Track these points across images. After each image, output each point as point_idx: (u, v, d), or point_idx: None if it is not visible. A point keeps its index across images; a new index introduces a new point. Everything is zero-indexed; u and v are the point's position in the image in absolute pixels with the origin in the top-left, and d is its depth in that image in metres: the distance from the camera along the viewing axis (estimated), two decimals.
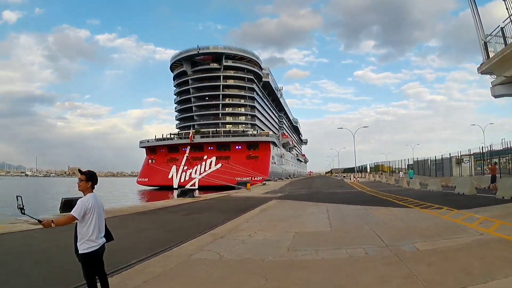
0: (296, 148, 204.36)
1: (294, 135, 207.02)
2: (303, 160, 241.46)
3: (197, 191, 40.95)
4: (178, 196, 34.37)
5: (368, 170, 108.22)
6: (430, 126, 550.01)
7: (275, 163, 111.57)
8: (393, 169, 78.92)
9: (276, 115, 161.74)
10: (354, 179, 73.90)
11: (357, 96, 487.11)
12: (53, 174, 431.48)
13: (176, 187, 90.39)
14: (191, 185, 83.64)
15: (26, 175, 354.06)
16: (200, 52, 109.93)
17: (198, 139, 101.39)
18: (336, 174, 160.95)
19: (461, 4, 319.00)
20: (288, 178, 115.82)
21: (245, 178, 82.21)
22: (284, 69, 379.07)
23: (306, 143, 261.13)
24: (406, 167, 66.94)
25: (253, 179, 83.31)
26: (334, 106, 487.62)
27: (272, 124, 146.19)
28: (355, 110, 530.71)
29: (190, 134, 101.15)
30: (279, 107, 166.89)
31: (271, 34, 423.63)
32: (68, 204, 20.37)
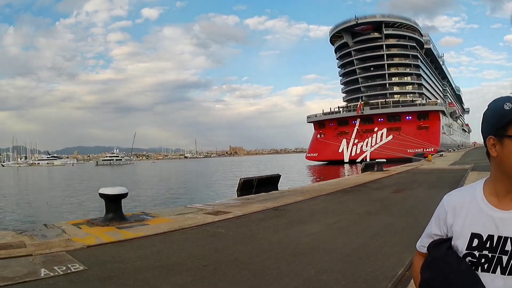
0: (460, 117, 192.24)
1: (457, 104, 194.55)
2: (467, 130, 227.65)
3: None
4: (363, 170, 31.66)
5: None
6: None
7: (444, 133, 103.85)
8: None
9: (440, 83, 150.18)
10: None
11: (510, 61, 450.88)
12: (214, 155, 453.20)
13: (347, 161, 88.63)
14: (362, 158, 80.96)
15: (185, 157, 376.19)
16: (358, 22, 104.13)
17: (367, 111, 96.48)
18: None
19: None
20: (459, 149, 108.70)
21: (417, 150, 78.05)
22: (437, 37, 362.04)
23: (468, 112, 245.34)
24: None
25: (425, 150, 77.94)
26: (489, 73, 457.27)
27: (438, 93, 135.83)
28: (510, 77, 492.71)
29: (358, 106, 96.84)
30: (442, 75, 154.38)
31: (419, 1, 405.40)
32: (247, 185, 18.84)
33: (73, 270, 6.24)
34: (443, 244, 1.80)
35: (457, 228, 1.75)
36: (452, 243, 1.76)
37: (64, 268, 6.31)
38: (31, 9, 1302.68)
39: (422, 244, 1.96)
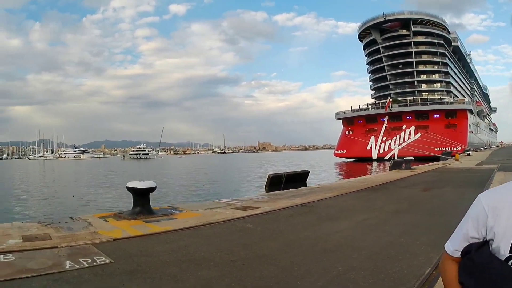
0: (487, 116, 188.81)
1: (484, 102, 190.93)
2: (494, 130, 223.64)
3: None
4: (391, 168, 31.27)
5: None
6: None
7: (471, 132, 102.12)
8: None
9: (467, 81, 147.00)
10: None
11: None
12: (242, 150, 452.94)
13: (375, 158, 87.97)
14: (390, 156, 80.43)
15: (214, 152, 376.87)
16: (386, 19, 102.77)
17: (396, 108, 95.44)
18: None
19: None
20: (485, 148, 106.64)
21: (444, 148, 77.24)
22: (464, 35, 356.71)
23: (495, 111, 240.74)
24: None
25: (452, 149, 76.62)
26: None
27: (465, 91, 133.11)
28: None
29: (386, 104, 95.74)
30: (469, 73, 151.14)
31: None
32: (275, 181, 18.83)
33: (98, 263, 6.27)
34: (483, 248, 1.69)
35: (499, 230, 1.63)
36: (492, 246, 1.66)
37: (90, 260, 6.35)
38: (57, 5, 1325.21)
39: (456, 248, 1.82)
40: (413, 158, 32.90)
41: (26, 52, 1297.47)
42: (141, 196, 10.59)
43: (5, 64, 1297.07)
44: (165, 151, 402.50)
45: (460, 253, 1.80)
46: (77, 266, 6.02)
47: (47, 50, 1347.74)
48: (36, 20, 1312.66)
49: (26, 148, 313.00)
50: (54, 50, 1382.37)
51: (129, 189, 10.58)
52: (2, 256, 6.53)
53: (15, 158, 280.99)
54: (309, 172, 22.30)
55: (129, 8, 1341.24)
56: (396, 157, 70.81)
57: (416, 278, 5.40)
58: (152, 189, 10.72)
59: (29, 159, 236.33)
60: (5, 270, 5.80)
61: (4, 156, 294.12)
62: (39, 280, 5.40)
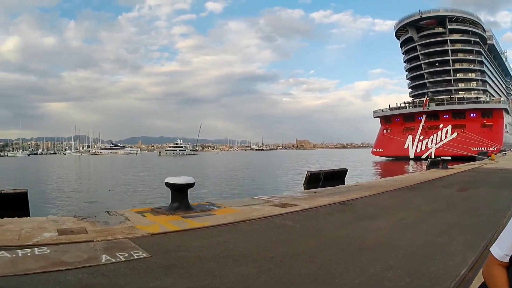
0: None
1: None
2: None
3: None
4: (428, 167, 31.04)
5: None
6: None
7: (507, 132, 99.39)
8: None
9: (503, 80, 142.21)
10: None
11: None
12: (280, 147, 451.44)
13: (412, 157, 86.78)
14: (427, 155, 79.30)
15: (251, 149, 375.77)
16: (422, 16, 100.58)
17: (432, 107, 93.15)
18: None
19: None
20: None
21: (480, 148, 75.79)
22: (499, 33, 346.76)
23: None
24: None
25: (488, 149, 74.89)
26: None
27: (501, 90, 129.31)
28: None
29: (424, 102, 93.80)
30: (505, 72, 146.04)
31: None
32: (314, 179, 18.76)
33: (135, 257, 6.27)
34: None
35: None
36: None
37: (126, 255, 6.35)
38: (92, 4, 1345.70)
39: (506, 253, 1.74)
40: (450, 158, 32.37)
41: (61, 49, 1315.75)
42: (179, 192, 10.61)
43: (40, 62, 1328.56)
44: (202, 148, 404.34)
45: (509, 257, 1.74)
46: (113, 260, 6.06)
47: (82, 47, 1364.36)
48: (71, 19, 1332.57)
49: (62, 143, 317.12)
50: (89, 47, 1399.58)
51: (168, 184, 10.58)
52: (36, 248, 6.55)
53: (50, 153, 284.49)
54: (347, 170, 22.17)
55: (165, 6, 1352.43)
56: (433, 157, 69.86)
57: (452, 278, 5.36)
58: (191, 185, 10.72)
59: (65, 154, 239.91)
60: (40, 262, 5.82)
61: (39, 151, 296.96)
62: (74, 273, 5.44)
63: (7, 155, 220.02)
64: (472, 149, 73.29)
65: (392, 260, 6.28)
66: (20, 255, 6.17)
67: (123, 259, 6.10)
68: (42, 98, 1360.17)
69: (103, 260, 6.00)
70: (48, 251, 6.41)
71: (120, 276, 5.40)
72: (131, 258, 6.20)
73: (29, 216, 9.98)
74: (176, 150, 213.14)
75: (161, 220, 9.37)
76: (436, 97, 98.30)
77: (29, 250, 6.45)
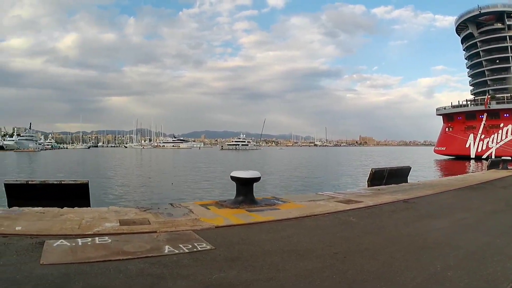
0: None
1: None
2: None
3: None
4: (489, 167, 30.17)
5: None
6: None
7: None
8: None
9: None
10: None
11: None
12: (343, 144, 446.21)
13: (473, 156, 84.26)
14: (488, 155, 77.00)
15: (315, 145, 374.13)
16: (481, 12, 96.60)
17: (493, 105, 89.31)
18: None
19: None
20: None
21: None
22: None
23: None
24: None
25: None
26: None
27: None
28: None
29: (485, 100, 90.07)
30: None
31: None
32: (378, 176, 18.81)
33: (199, 249, 6.36)
34: None
35: None
36: None
37: (190, 246, 6.44)
38: (151, 0, 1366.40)
39: None
40: (510, 158, 31.57)
41: (121, 45, 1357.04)
42: (245, 186, 10.69)
43: (100, 57, 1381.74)
44: (266, 143, 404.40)
45: None
46: (176, 251, 6.16)
47: (143, 43, 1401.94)
48: (130, 15, 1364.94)
49: (123, 136, 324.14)
50: (150, 43, 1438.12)
51: (233, 178, 10.66)
52: (97, 238, 6.76)
53: (111, 146, 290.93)
54: (410, 168, 22.05)
55: (226, 2, 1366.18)
56: (493, 156, 67.84)
57: (509, 281, 5.31)
58: (257, 179, 10.78)
59: (126, 147, 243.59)
60: (100, 251, 5.98)
61: (99, 144, 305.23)
62: (135, 263, 5.55)
63: (66, 148, 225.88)
64: None
65: (452, 260, 6.29)
66: (80, 244, 6.38)
67: (187, 251, 6.26)
68: (103, 92, 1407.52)
69: (166, 251, 6.17)
70: (109, 240, 6.67)
71: (183, 267, 5.53)
72: (195, 249, 6.35)
73: (90, 207, 10.36)
74: (238, 144, 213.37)
75: (226, 213, 9.54)
76: (497, 95, 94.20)
77: (89, 239, 6.69)
